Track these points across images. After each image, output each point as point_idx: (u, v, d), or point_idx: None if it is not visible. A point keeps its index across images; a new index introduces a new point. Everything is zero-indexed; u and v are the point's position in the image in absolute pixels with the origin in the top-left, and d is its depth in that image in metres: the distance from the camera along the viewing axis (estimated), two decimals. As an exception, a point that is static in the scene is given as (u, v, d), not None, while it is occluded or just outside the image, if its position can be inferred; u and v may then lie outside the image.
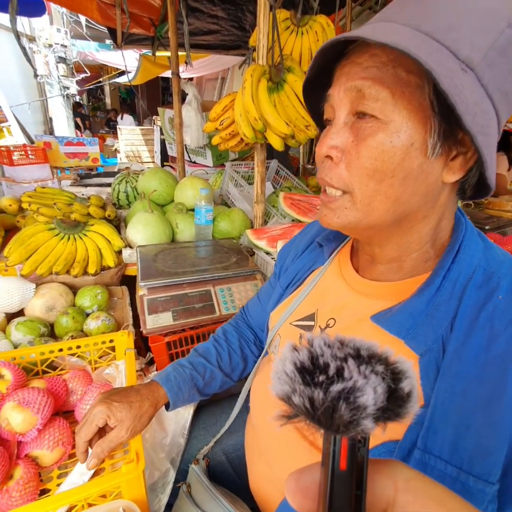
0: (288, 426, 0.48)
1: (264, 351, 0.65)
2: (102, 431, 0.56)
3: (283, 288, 0.63)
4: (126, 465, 0.51)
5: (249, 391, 0.67)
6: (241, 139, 1.19)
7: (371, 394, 0.13)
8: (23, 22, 5.03)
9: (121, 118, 7.40)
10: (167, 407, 0.64)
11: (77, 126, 6.97)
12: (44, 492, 0.57)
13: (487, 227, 1.56)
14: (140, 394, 0.58)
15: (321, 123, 0.48)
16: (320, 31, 1.16)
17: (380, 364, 0.14)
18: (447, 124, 0.34)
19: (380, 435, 0.36)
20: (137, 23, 2.25)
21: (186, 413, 0.73)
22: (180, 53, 1.83)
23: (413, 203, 0.39)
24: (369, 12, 2.22)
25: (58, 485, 0.58)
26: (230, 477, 0.71)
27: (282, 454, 0.52)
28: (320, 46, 0.37)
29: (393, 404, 0.14)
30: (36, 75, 4.53)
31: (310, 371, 0.14)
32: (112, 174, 2.69)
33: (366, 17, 2.23)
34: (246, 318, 0.78)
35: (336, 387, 0.13)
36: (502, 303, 0.37)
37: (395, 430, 0.38)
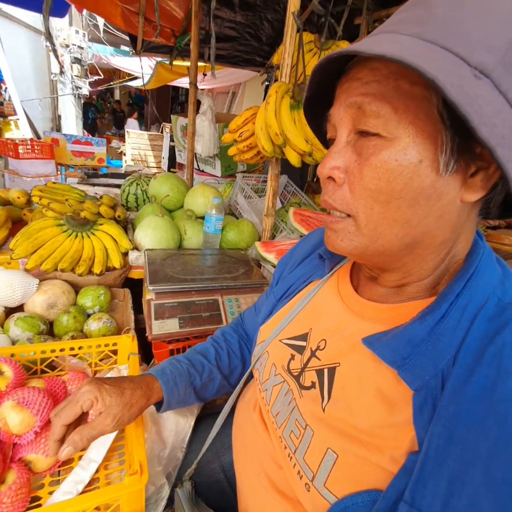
0: (266, 483, 0.48)
1: (248, 370, 0.61)
2: (82, 420, 0.51)
3: (276, 299, 0.60)
4: (128, 477, 0.48)
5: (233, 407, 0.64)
6: (257, 152, 1.21)
7: None
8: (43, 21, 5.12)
9: (125, 122, 7.50)
10: (159, 406, 0.59)
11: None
12: (34, 500, 0.54)
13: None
14: (134, 383, 0.55)
15: (326, 143, 0.46)
16: (342, 56, 1.20)
17: None
18: (461, 138, 0.31)
19: (362, 482, 0.32)
20: (159, 33, 2.30)
21: (186, 425, 0.71)
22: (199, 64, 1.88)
23: (427, 226, 0.35)
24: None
25: (50, 493, 0.55)
26: (228, 497, 0.67)
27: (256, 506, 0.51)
28: (315, 64, 0.35)
29: None
30: (62, 72, 4.57)
31: None
32: (118, 175, 2.70)
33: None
34: (243, 325, 0.76)
35: None
36: None
37: (379, 478, 0.34)
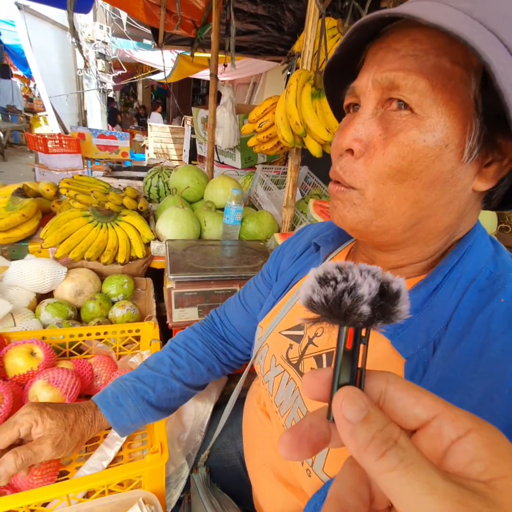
0: (270, 473, 0.50)
1: (249, 364, 0.60)
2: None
3: (276, 297, 0.58)
4: (150, 455, 0.51)
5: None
6: (277, 142, 1.20)
7: (366, 287, 0.18)
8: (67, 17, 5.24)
9: (149, 117, 7.59)
10: (118, 429, 0.56)
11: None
12: (62, 474, 0.57)
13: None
14: (79, 408, 0.52)
15: (339, 111, 0.43)
16: (366, 41, 1.16)
17: (378, 274, 0.19)
18: (489, 127, 0.30)
19: None
20: (180, 24, 2.31)
21: (205, 410, 0.73)
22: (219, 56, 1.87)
23: (435, 210, 0.34)
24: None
25: (77, 468, 0.59)
26: (244, 482, 0.68)
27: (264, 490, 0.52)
28: (357, 22, 0.31)
29: (386, 301, 0.18)
30: (86, 67, 4.72)
31: (325, 279, 0.19)
32: (141, 168, 2.76)
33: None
34: (219, 327, 0.69)
35: (342, 285, 0.18)
36: (503, 307, 0.33)
37: None
